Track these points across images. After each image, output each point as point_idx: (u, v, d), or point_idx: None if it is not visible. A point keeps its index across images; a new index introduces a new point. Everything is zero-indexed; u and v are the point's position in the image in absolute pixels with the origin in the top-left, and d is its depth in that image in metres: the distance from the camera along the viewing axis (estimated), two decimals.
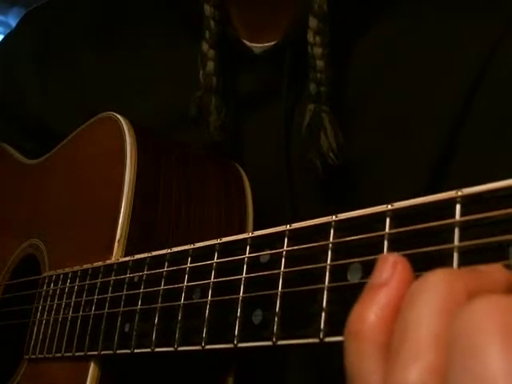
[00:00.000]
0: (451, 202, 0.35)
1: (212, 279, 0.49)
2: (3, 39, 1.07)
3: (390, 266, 0.32)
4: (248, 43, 0.76)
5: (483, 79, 0.67)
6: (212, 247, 0.50)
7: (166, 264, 0.54)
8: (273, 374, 0.73)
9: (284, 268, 0.43)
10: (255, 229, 0.71)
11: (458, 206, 0.34)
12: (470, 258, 0.33)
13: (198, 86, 0.74)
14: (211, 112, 0.73)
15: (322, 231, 0.41)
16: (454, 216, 0.34)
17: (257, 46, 0.76)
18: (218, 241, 0.50)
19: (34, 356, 0.71)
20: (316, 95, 0.68)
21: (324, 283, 0.40)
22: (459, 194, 0.34)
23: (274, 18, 0.74)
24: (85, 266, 0.66)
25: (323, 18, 0.66)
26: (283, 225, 0.45)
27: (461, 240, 0.34)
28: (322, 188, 0.73)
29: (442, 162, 0.68)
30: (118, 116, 0.71)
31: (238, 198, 0.73)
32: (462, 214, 0.34)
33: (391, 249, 0.37)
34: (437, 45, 0.69)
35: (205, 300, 0.49)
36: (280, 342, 0.41)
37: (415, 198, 0.37)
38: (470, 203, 0.34)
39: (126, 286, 0.59)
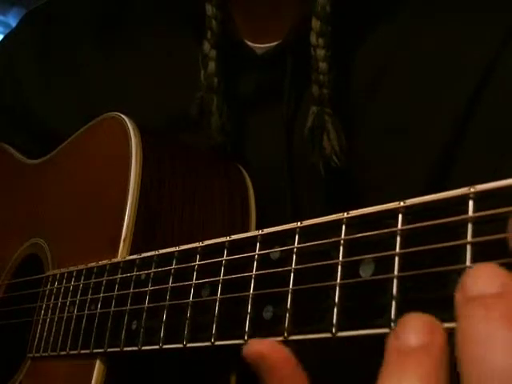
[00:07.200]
0: (464, 199, 0.35)
1: (221, 276, 0.49)
2: (3, 39, 1.07)
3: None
4: (250, 44, 0.76)
5: (489, 81, 0.67)
6: (221, 245, 0.50)
7: (174, 262, 0.55)
8: None
9: (295, 265, 0.43)
10: (257, 228, 0.72)
11: (470, 202, 0.35)
12: (483, 253, 0.34)
13: (198, 87, 0.74)
14: (213, 112, 0.73)
15: (333, 228, 0.42)
16: (466, 212, 0.35)
17: (259, 47, 0.76)
18: (228, 238, 0.50)
19: (37, 354, 0.71)
20: (319, 97, 0.68)
21: (336, 279, 0.40)
22: (472, 190, 0.35)
23: (276, 19, 0.75)
24: (90, 265, 0.67)
25: (326, 20, 0.66)
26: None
27: (474, 236, 0.34)
28: (323, 189, 0.73)
29: (445, 163, 0.69)
30: (123, 116, 0.72)
31: (240, 200, 0.73)
32: (475, 210, 0.35)
33: (404, 245, 0.37)
34: (440, 46, 0.69)
35: (214, 297, 0.49)
36: (292, 338, 0.42)
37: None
38: (482, 199, 0.35)
39: (132, 283, 0.59)
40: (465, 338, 0.30)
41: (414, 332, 0.33)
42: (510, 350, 0.29)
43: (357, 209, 0.42)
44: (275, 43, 0.75)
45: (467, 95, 0.67)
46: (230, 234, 0.51)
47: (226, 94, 0.74)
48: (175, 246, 0.56)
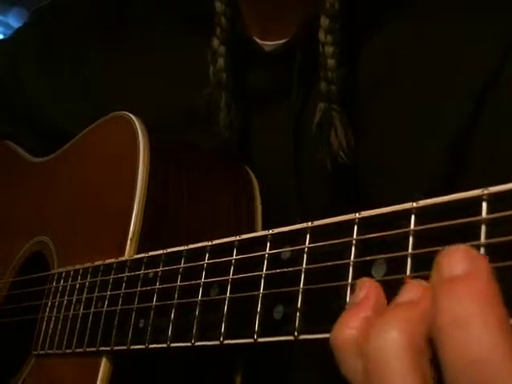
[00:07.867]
0: (477, 200, 0.35)
1: (231, 275, 0.49)
2: (7, 39, 1.08)
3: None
4: (258, 41, 0.76)
5: (496, 81, 0.66)
6: (231, 244, 0.51)
7: (183, 260, 0.55)
8: (279, 374, 0.73)
9: (306, 265, 0.44)
10: (264, 229, 0.72)
11: (484, 204, 0.35)
12: (497, 255, 0.34)
13: (205, 85, 0.74)
14: (221, 108, 0.73)
15: (344, 228, 0.42)
16: (480, 214, 0.35)
17: (267, 44, 0.76)
18: (237, 238, 0.50)
19: (42, 352, 0.71)
20: (327, 94, 0.68)
21: (348, 279, 0.40)
22: (485, 192, 0.35)
23: (284, 16, 0.75)
24: (96, 263, 0.67)
25: (335, 17, 0.67)
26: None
27: (487, 237, 0.34)
28: (330, 187, 0.73)
29: (451, 162, 0.69)
30: (131, 115, 0.72)
31: (246, 201, 0.73)
32: (489, 212, 0.35)
33: (416, 245, 0.38)
34: (448, 46, 0.69)
35: (223, 296, 0.49)
36: (302, 337, 0.42)
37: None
38: (496, 201, 0.35)
39: (140, 282, 0.59)
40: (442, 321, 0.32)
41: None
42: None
43: (363, 207, 0.42)
44: (283, 40, 0.75)
45: (474, 95, 0.67)
46: (236, 234, 0.51)
47: (234, 90, 0.74)
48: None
